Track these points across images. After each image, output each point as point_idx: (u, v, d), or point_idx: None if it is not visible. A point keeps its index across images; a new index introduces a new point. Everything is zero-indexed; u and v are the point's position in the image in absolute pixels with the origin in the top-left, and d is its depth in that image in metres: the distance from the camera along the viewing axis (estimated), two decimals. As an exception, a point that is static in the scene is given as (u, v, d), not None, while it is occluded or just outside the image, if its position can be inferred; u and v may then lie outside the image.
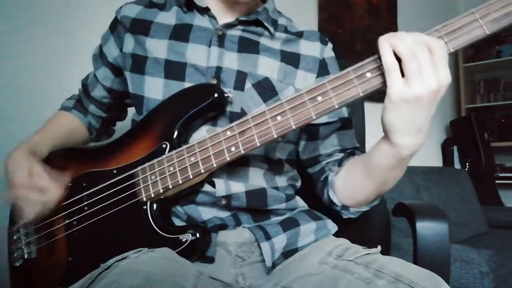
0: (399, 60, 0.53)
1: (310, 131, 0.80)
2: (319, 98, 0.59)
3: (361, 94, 0.58)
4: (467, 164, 2.96)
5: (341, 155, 0.80)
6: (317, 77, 0.80)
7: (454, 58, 3.39)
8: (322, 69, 0.80)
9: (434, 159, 3.08)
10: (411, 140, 0.57)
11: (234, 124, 0.63)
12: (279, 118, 0.61)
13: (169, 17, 0.77)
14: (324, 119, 0.78)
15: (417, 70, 0.52)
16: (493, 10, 0.53)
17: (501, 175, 3.14)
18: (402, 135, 0.56)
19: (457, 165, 3.06)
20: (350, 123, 0.82)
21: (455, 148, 3.10)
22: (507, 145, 3.14)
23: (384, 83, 0.56)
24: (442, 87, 0.53)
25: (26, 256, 0.75)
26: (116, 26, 0.81)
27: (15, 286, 0.78)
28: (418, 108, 0.53)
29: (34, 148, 0.77)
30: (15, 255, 0.77)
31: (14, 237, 0.78)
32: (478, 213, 2.26)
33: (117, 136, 0.77)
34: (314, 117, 0.59)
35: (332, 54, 0.84)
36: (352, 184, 0.72)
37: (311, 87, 0.60)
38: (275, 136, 0.61)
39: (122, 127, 0.96)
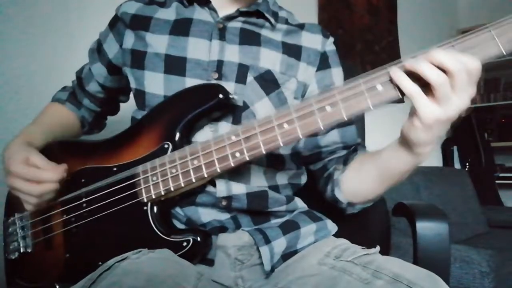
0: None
1: None
2: (328, 108, 0.57)
3: (372, 108, 0.56)
4: (467, 164, 2.96)
5: (344, 152, 0.80)
6: (317, 71, 0.79)
7: (454, 58, 3.39)
8: (323, 63, 0.80)
9: (434, 159, 3.08)
10: (432, 147, 0.59)
11: (239, 129, 0.62)
12: (285, 126, 0.59)
13: (169, 13, 0.77)
14: None
15: (450, 94, 0.51)
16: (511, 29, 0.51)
17: (501, 175, 3.13)
18: (427, 146, 0.58)
19: (457, 165, 3.06)
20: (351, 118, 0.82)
21: (455, 148, 3.09)
22: (507, 145, 3.13)
23: (396, 97, 0.55)
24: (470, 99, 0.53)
25: (22, 250, 0.75)
26: (116, 23, 0.81)
27: (10, 279, 0.78)
28: (449, 122, 0.54)
29: (31, 139, 0.76)
30: (11, 247, 0.76)
31: (10, 230, 0.78)
32: (478, 213, 2.26)
33: (114, 132, 0.76)
34: (322, 128, 0.58)
35: (333, 47, 0.83)
36: (362, 185, 0.73)
37: (320, 96, 0.58)
38: (281, 144, 0.60)
39: (119, 122, 0.96)
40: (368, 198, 0.75)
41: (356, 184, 0.74)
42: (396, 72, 0.53)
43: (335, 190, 0.76)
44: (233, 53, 0.74)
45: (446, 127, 0.55)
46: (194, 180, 0.64)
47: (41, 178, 0.68)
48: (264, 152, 0.61)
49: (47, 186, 0.68)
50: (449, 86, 0.51)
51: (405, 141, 0.60)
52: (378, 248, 0.64)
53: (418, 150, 0.59)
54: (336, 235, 0.77)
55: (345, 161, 0.77)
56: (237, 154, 0.61)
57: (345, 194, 0.76)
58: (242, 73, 0.73)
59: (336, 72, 0.82)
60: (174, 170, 0.65)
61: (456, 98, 0.52)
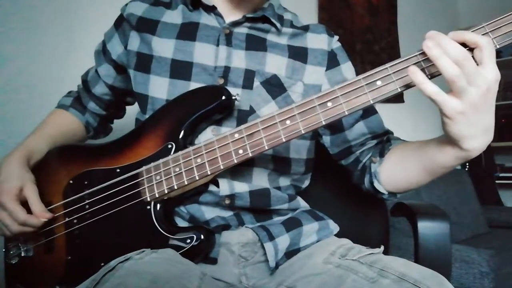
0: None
1: (332, 124, 0.78)
2: (329, 104, 0.59)
3: (371, 102, 0.58)
4: (467, 164, 2.96)
5: (374, 142, 0.80)
6: (326, 70, 0.79)
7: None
8: (331, 61, 0.80)
9: (434, 159, 3.07)
10: (481, 141, 0.57)
11: (242, 126, 0.63)
12: (288, 122, 0.61)
13: (175, 16, 0.77)
14: None
15: (465, 83, 0.51)
16: (504, 24, 0.55)
17: (501, 175, 3.13)
18: (471, 140, 0.56)
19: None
20: (374, 106, 0.80)
21: (455, 148, 3.09)
22: (507, 145, 3.13)
23: (395, 91, 0.57)
24: (492, 84, 0.53)
25: (23, 254, 0.75)
26: (121, 23, 0.81)
27: (11, 284, 0.77)
28: (477, 112, 0.53)
29: (31, 153, 0.76)
30: (11, 252, 0.76)
31: None
32: (478, 213, 2.26)
33: (119, 135, 0.76)
34: (323, 123, 0.59)
35: (339, 44, 0.83)
36: (406, 178, 0.72)
37: (321, 93, 0.60)
38: (284, 140, 0.61)
39: (122, 126, 0.96)
40: (411, 188, 0.73)
41: (398, 176, 0.73)
42: (417, 76, 0.54)
43: (374, 182, 0.75)
44: (239, 59, 0.74)
45: (481, 116, 0.54)
46: (197, 178, 0.64)
47: (24, 222, 0.69)
48: (267, 148, 0.61)
49: (26, 229, 0.70)
50: (464, 77, 0.51)
51: (448, 138, 0.59)
52: (382, 248, 0.64)
53: (465, 146, 0.56)
54: (337, 235, 0.78)
55: (381, 153, 0.76)
56: (240, 151, 0.62)
57: (386, 186, 0.75)
58: (248, 78, 0.73)
59: (346, 68, 0.82)
60: (177, 169, 0.65)
61: (471, 87, 0.52)
